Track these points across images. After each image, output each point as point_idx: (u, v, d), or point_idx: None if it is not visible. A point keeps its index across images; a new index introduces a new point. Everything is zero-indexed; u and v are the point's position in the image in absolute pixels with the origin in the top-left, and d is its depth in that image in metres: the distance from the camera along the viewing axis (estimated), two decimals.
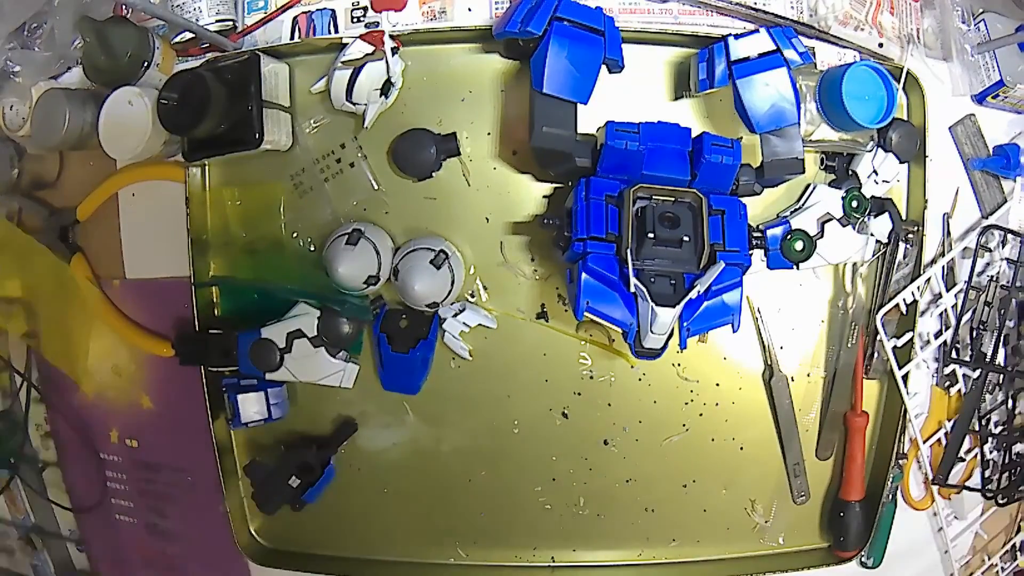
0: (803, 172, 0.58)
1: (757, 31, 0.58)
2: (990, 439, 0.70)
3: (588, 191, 0.56)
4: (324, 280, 0.63)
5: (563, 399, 0.68)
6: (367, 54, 0.62)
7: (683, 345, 0.55)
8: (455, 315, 0.66)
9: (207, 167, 0.69)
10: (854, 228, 0.64)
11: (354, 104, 0.63)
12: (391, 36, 0.62)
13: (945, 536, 0.71)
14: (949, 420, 0.70)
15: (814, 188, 0.65)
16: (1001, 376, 0.68)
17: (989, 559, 0.74)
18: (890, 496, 0.69)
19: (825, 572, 0.70)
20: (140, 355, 0.73)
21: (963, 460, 0.70)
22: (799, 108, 0.57)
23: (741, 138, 0.57)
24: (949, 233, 0.69)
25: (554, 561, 0.71)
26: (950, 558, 0.72)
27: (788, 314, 0.68)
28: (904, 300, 0.66)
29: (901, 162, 0.64)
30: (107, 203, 0.72)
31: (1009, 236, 0.68)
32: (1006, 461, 0.71)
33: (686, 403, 0.68)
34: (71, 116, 0.65)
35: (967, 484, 0.70)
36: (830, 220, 0.63)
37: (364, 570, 0.71)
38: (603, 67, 0.57)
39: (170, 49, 0.66)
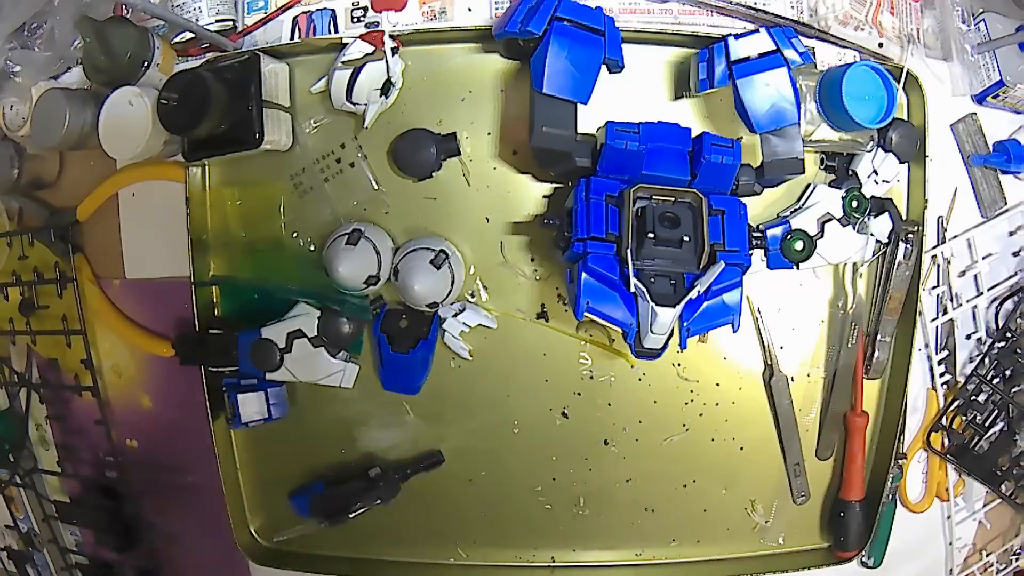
0: (803, 172, 0.58)
1: (757, 31, 0.58)
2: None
3: (588, 191, 0.56)
4: (324, 280, 0.63)
5: (563, 399, 0.68)
6: (367, 54, 0.62)
7: (683, 345, 0.55)
8: (455, 315, 0.66)
9: (207, 167, 0.69)
10: (854, 228, 0.64)
11: (354, 104, 0.63)
12: (391, 36, 0.62)
13: (951, 525, 0.71)
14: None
15: (814, 188, 0.65)
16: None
17: (987, 555, 0.74)
18: (890, 496, 0.69)
19: (825, 572, 0.70)
20: (140, 355, 0.73)
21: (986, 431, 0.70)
22: (799, 108, 0.57)
23: (741, 138, 0.57)
24: (944, 240, 0.69)
25: (554, 561, 0.71)
26: (954, 549, 0.72)
27: (788, 314, 0.68)
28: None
29: (901, 162, 0.64)
30: (107, 203, 0.72)
31: None
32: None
33: (686, 403, 0.68)
34: (71, 116, 0.65)
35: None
36: (830, 220, 0.63)
37: (364, 570, 0.71)
38: (603, 67, 0.57)
39: (170, 49, 0.66)
